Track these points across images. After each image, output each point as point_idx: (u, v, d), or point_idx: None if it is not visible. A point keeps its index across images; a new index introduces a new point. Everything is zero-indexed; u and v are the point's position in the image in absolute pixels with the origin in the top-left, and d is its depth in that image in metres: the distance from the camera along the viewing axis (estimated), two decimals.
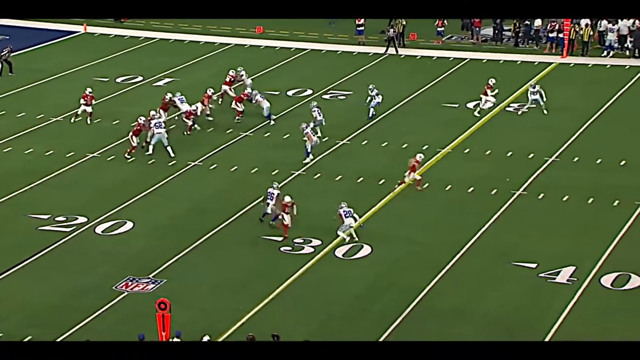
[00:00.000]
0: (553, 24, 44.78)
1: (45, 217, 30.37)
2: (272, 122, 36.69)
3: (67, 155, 34.75)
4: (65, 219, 30.27)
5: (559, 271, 26.65)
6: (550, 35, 44.82)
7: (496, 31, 46.75)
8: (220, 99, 38.44)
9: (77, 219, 30.26)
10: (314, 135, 33.42)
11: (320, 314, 25.20)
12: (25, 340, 23.98)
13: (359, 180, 32.31)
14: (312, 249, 28.09)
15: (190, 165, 33.82)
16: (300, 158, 33.80)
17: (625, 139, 35.08)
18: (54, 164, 34.08)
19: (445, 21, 46.97)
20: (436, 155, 34.19)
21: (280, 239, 28.55)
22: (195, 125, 35.80)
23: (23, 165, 34.28)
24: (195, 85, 39.82)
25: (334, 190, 31.55)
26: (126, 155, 33.96)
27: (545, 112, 37.03)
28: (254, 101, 36.95)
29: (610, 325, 24.33)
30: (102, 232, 29.62)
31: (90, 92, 37.34)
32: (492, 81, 37.71)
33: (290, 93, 40.61)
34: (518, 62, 44.04)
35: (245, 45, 47.39)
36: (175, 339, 22.22)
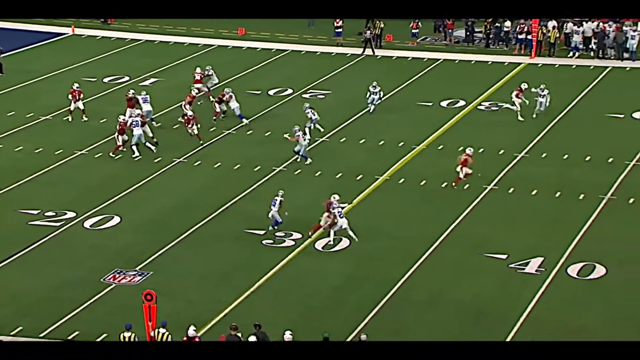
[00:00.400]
0: (522, 26, 44.94)
1: (35, 212, 30.25)
2: (245, 122, 36.37)
3: (56, 153, 34.62)
4: (54, 214, 30.17)
5: (528, 262, 26.77)
6: (520, 37, 44.98)
7: (468, 33, 46.88)
8: (199, 101, 38.25)
9: (66, 214, 30.16)
10: (304, 138, 32.91)
11: (300, 305, 25.22)
12: (16, 330, 23.94)
13: (337, 176, 32.34)
14: (293, 242, 28.10)
15: (175, 162, 33.75)
16: (280, 155, 33.79)
17: (590, 135, 35.28)
18: (43, 161, 33.94)
19: (419, 23, 47.08)
20: (411, 151, 34.25)
21: (262, 232, 28.55)
22: (194, 128, 34.82)
23: (13, 162, 34.12)
24: (179, 85, 39.74)
25: (314, 186, 31.61)
26: (111, 154, 33.84)
27: (543, 113, 36.62)
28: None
29: (576, 313, 24.49)
30: (90, 226, 29.53)
31: (77, 88, 37.23)
32: (524, 86, 37.05)
33: (271, 92, 40.58)
34: (489, 63, 44.18)
35: (228, 46, 47.33)
36: (161, 329, 22.18)
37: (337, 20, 46.59)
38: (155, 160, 33.70)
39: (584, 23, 44.75)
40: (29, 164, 33.77)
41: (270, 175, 32.67)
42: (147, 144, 33.95)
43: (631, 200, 30.09)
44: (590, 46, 44.15)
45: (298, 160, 32.88)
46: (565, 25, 45.18)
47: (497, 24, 46.36)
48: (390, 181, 32.04)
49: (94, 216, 30.02)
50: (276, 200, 28.32)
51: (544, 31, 44.41)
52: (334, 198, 28.27)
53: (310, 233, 28.19)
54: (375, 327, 23.91)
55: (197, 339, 22.09)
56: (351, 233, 27.83)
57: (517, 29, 45.14)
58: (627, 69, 42.56)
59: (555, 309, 24.69)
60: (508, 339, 23.39)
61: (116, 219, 29.86)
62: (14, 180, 32.45)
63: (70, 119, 37.08)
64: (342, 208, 28.29)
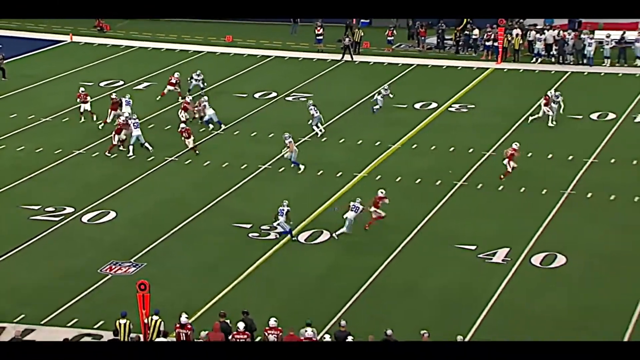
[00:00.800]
0: (489, 33, 45.00)
1: (36, 207, 30.09)
2: (222, 127, 35.92)
3: (55, 152, 34.44)
4: (54, 209, 30.02)
5: (495, 252, 26.82)
6: (487, 43, 45.03)
7: (439, 40, 46.89)
8: (178, 97, 38.14)
9: (65, 209, 30.02)
10: (295, 146, 32.31)
11: (285, 293, 25.20)
12: (19, 317, 23.83)
13: (319, 173, 32.30)
14: (277, 235, 28.03)
15: (167, 161, 33.63)
16: (265, 154, 33.74)
17: (552, 135, 35.34)
18: (43, 160, 33.76)
19: (394, 31, 47.10)
20: (387, 150, 34.26)
21: (249, 226, 28.50)
22: (189, 141, 33.84)
23: (15, 161, 33.92)
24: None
25: (297, 182, 31.59)
26: (107, 153, 33.69)
27: (554, 122, 35.75)
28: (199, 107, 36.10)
29: (539, 299, 24.57)
30: (87, 221, 29.41)
31: (83, 91, 37.17)
32: (550, 93, 36.46)
33: (257, 95, 40.48)
34: (459, 68, 44.22)
35: (216, 52, 47.19)
36: (154, 316, 22.11)
37: (318, 28, 46.56)
38: (149, 159, 33.56)
39: (546, 31, 44.89)
40: (30, 162, 33.58)
41: (256, 172, 32.60)
42: (146, 144, 33.75)
43: (589, 195, 30.19)
44: (551, 52, 44.25)
45: (292, 166, 32.11)
46: (528, 33, 45.29)
47: (466, 32, 46.42)
48: (368, 178, 32.04)
49: (91, 211, 29.89)
50: (283, 210, 27.38)
51: (509, 38, 44.50)
52: (382, 193, 28.12)
53: (366, 227, 27.91)
54: (354, 313, 23.92)
55: (189, 326, 22.03)
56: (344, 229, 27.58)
57: (485, 37, 45.18)
58: (585, 73, 42.69)
59: (520, 296, 24.78)
60: (476, 325, 23.44)
61: (112, 214, 29.72)
62: (16, 178, 32.27)
63: (82, 119, 36.70)
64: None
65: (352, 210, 27.55)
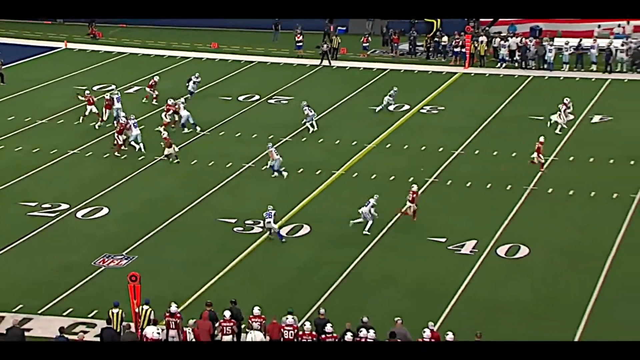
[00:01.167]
0: (457, 40, 45.04)
1: (33, 204, 29.83)
2: (198, 129, 35.57)
3: (52, 152, 34.16)
4: (50, 206, 29.78)
5: (464, 244, 26.84)
6: (455, 49, 45.06)
7: (411, 46, 46.89)
8: (152, 100, 37.94)
9: (60, 205, 29.78)
10: (276, 154, 31.62)
11: (268, 283, 25.10)
12: (17, 307, 23.61)
13: (299, 171, 32.20)
14: (261, 229, 27.92)
15: (157, 160, 33.41)
16: (249, 153, 33.63)
17: (516, 135, 35.38)
18: (40, 160, 33.47)
19: (369, 38, 47.07)
20: (363, 149, 34.20)
21: (233, 221, 28.37)
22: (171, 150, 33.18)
23: (14, 161, 33.61)
24: (159, 92, 39.24)
25: (279, 180, 31.45)
26: (116, 153, 33.35)
27: (564, 127, 35.03)
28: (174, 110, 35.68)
29: (504, 287, 24.60)
30: (82, 216, 29.18)
31: (88, 94, 36.95)
32: (567, 100, 35.80)
33: (240, 98, 40.31)
34: (429, 72, 44.21)
35: (202, 58, 46.96)
36: (145, 306, 21.95)
37: (298, 35, 46.43)
38: (139, 159, 33.36)
39: (509, 38, 45.01)
40: (28, 162, 33.28)
41: (240, 170, 32.46)
42: (141, 143, 33.49)
43: (550, 190, 30.27)
44: (514, 58, 44.36)
45: (274, 176, 31.33)
46: (493, 39, 45.37)
47: (435, 39, 46.46)
48: (346, 175, 31.98)
49: (85, 207, 29.67)
50: (270, 212, 26.87)
51: (476, 45, 44.56)
52: (415, 188, 28.03)
53: (397, 212, 27.89)
54: (333, 302, 23.86)
55: (178, 315, 21.87)
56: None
57: (453, 43, 45.22)
58: (546, 77, 42.82)
59: (487, 285, 24.80)
60: (446, 312, 23.44)
61: (105, 210, 29.51)
62: (14, 176, 31.99)
63: (98, 125, 36.03)
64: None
65: (365, 206, 27.39)
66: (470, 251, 26.50)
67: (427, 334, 20.80)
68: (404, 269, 25.72)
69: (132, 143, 33.56)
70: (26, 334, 21.83)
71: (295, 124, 36.60)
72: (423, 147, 34.18)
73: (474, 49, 44.41)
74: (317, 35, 47.46)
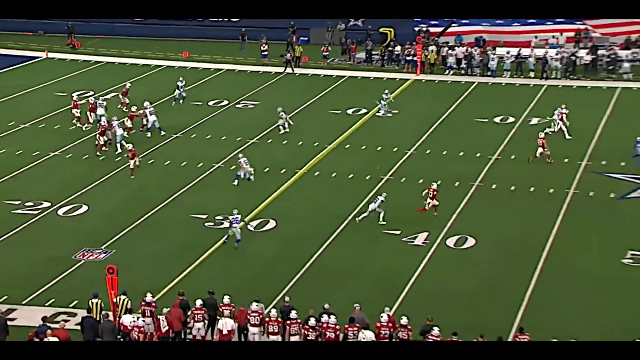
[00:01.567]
0: (409, 49, 45.16)
1: (17, 202, 29.37)
2: (162, 133, 35.07)
3: (34, 154, 33.66)
4: (33, 204, 29.35)
5: (416, 236, 26.90)
6: (407, 58, 45.16)
7: (367, 55, 46.91)
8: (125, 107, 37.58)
9: (42, 204, 29.36)
10: (246, 165, 30.73)
11: (237, 275, 24.94)
12: (2, 299, 23.22)
13: (265, 170, 32.04)
14: (229, 224, 27.69)
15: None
16: (218, 154, 33.42)
17: (462, 135, 35.55)
18: (23, 161, 32.96)
19: (329, 47, 47.02)
20: (324, 150, 34.14)
21: (205, 216, 28.14)
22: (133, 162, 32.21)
23: None
24: (134, 98, 38.79)
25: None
26: (97, 153, 33.04)
27: (554, 132, 34.34)
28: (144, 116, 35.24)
29: (453, 275, 24.70)
30: (63, 214, 28.80)
31: (76, 98, 36.54)
32: (563, 109, 34.91)
33: (211, 103, 40.02)
34: (384, 79, 44.26)
35: (175, 66, 46.56)
36: (122, 296, 21.69)
37: (263, 45, 46.26)
38: (116, 160, 32.98)
39: (456, 48, 45.25)
40: (12, 163, 32.76)
41: (210, 170, 32.22)
42: (121, 142, 33.19)
43: (494, 186, 30.45)
44: (461, 66, 44.59)
45: (235, 183, 30.34)
46: (442, 49, 45.57)
47: (389, 48, 46.55)
48: (308, 174, 31.89)
49: (66, 205, 29.28)
50: (237, 218, 26.16)
51: (426, 54, 44.70)
52: (435, 185, 27.98)
53: (419, 210, 27.82)
54: (297, 291, 23.78)
55: (153, 304, 21.65)
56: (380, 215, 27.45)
57: (406, 52, 45.33)
58: (489, 83, 43.09)
59: (437, 273, 24.89)
60: (401, 298, 23.48)
61: (84, 208, 29.14)
62: None
63: (85, 127, 35.69)
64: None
65: (374, 202, 27.38)
66: (423, 243, 26.56)
67: (384, 318, 20.86)
68: (362, 260, 25.70)
69: (119, 143, 33.16)
70: (11, 323, 21.50)
71: (261, 127, 36.45)
72: (379, 148, 34.21)
73: (424, 58, 44.55)
74: (281, 45, 47.31)
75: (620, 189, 29.76)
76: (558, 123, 34.61)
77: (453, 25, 48.91)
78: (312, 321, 20.72)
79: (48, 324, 20.87)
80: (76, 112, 36.25)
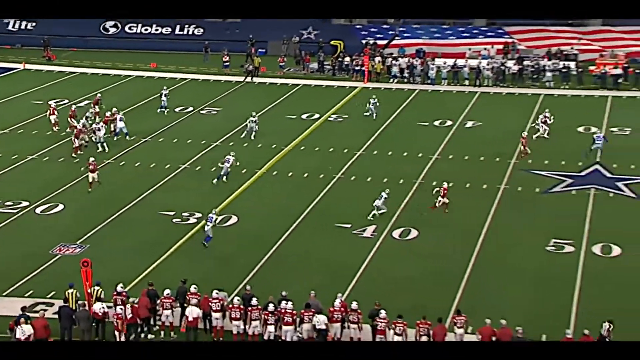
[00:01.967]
0: (357, 60, 45.31)
1: None
2: (128, 138, 34.56)
3: (13, 157, 33.05)
4: (12, 203, 28.80)
5: (365, 229, 26.99)
6: (356, 68, 45.32)
7: (320, 65, 46.96)
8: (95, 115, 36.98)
9: (21, 203, 28.83)
10: (227, 164, 30.10)
11: (203, 266, 24.76)
12: None
13: (228, 171, 31.82)
14: (196, 220, 27.54)
15: (105, 163, 32.59)
16: (184, 156, 33.16)
17: (406, 138, 35.77)
18: (3, 164, 32.32)
19: (285, 59, 46.94)
20: (281, 151, 34.07)
21: (172, 213, 27.88)
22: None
23: None
24: (106, 106, 38.31)
25: (210, 178, 31.04)
26: (73, 155, 32.58)
27: (548, 135, 34.25)
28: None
29: (399, 264, 24.85)
30: (40, 212, 28.31)
31: (53, 105, 36.02)
32: (547, 112, 35.03)
33: (177, 110, 39.63)
34: (335, 87, 44.35)
35: (143, 76, 46.04)
36: (96, 287, 21.42)
37: (225, 56, 46.03)
38: (90, 161, 32.47)
39: (400, 58, 45.54)
40: None
41: (177, 171, 31.93)
42: (104, 144, 33.01)
43: (434, 183, 30.65)
44: (404, 75, 44.89)
45: (215, 182, 30.08)
46: (387, 59, 45.83)
47: (339, 59, 46.65)
48: (267, 174, 31.81)
49: (44, 204, 28.79)
50: (212, 217, 25.53)
51: (373, 64, 44.91)
52: (446, 185, 27.80)
53: (432, 209, 27.62)
54: (257, 280, 23.71)
55: (124, 293, 21.41)
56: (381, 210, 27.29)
57: (354, 63, 45.49)
58: (429, 90, 43.44)
59: (384, 262, 25.01)
60: (351, 285, 23.56)
61: (60, 206, 28.70)
62: None
63: (56, 129, 35.36)
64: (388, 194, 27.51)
65: (379, 199, 27.25)
66: (371, 235, 26.66)
67: (337, 303, 20.92)
68: (317, 250, 25.72)
69: (99, 143, 33.02)
70: None
71: (224, 131, 36.26)
72: (331, 149, 34.27)
73: (371, 67, 44.74)
74: (241, 56, 47.16)
75: (544, 184, 30.27)
76: (542, 125, 34.74)
77: (396, 38, 49.29)
78: (271, 307, 20.71)
79: (27, 314, 20.52)
80: (53, 118, 35.71)
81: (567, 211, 27.87)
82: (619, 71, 42.55)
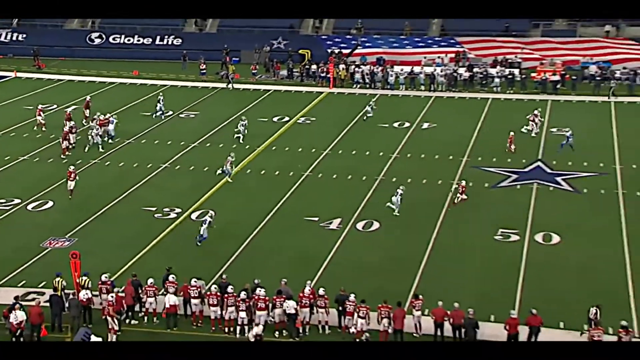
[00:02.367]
0: (323, 67, 45.35)
1: None
2: (111, 142, 34.24)
3: (6, 159, 32.56)
4: (5, 200, 28.38)
5: (332, 221, 27.06)
6: (322, 74, 45.38)
7: (289, 72, 46.91)
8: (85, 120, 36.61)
9: (13, 200, 28.42)
10: (229, 164, 29.87)
11: (182, 257, 24.62)
12: None
13: (205, 169, 31.71)
14: (176, 215, 27.37)
15: (92, 162, 32.24)
16: (165, 156, 32.94)
17: (368, 138, 35.90)
18: None
19: (257, 66, 46.82)
20: (254, 151, 33.99)
21: (154, 209, 27.70)
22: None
23: None
24: (93, 111, 37.85)
25: (189, 176, 30.93)
26: (62, 155, 32.17)
27: (536, 134, 34.40)
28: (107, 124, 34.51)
29: (363, 254, 24.97)
30: (32, 208, 27.96)
31: (40, 107, 35.73)
32: (537, 111, 35.23)
33: (158, 114, 39.33)
34: (303, 92, 44.35)
35: (126, 83, 45.58)
36: (84, 277, 21.23)
37: (202, 64, 45.79)
38: (77, 162, 32.10)
39: (362, 66, 45.71)
40: None
41: (158, 170, 31.69)
42: (100, 144, 32.93)
43: (394, 180, 30.85)
44: (366, 81, 45.06)
45: (217, 173, 29.78)
46: (350, 67, 45.96)
47: (307, 67, 46.67)
48: (240, 172, 31.70)
49: (34, 201, 28.42)
50: (206, 219, 25.09)
51: (337, 71, 44.99)
52: (464, 182, 27.68)
53: (453, 204, 27.40)
54: (233, 269, 23.67)
55: (109, 282, 21.26)
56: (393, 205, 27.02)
57: (320, 70, 45.54)
58: (389, 95, 43.64)
59: (349, 251, 25.10)
60: (319, 273, 23.61)
61: (50, 203, 28.36)
62: None
63: (35, 129, 35.10)
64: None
65: (395, 195, 27.01)
66: (337, 227, 26.74)
67: (307, 289, 20.99)
68: (288, 242, 25.73)
69: (100, 143, 32.91)
70: None
71: (201, 133, 36.06)
72: (300, 149, 34.28)
73: (336, 74, 44.85)
74: (217, 64, 46.94)
75: (493, 179, 30.64)
76: (531, 123, 34.84)
77: (359, 47, 49.49)
78: (243, 294, 20.71)
79: (20, 302, 20.33)
80: (39, 119, 35.27)
81: (513, 204, 28.25)
82: (557, 78, 43.26)
